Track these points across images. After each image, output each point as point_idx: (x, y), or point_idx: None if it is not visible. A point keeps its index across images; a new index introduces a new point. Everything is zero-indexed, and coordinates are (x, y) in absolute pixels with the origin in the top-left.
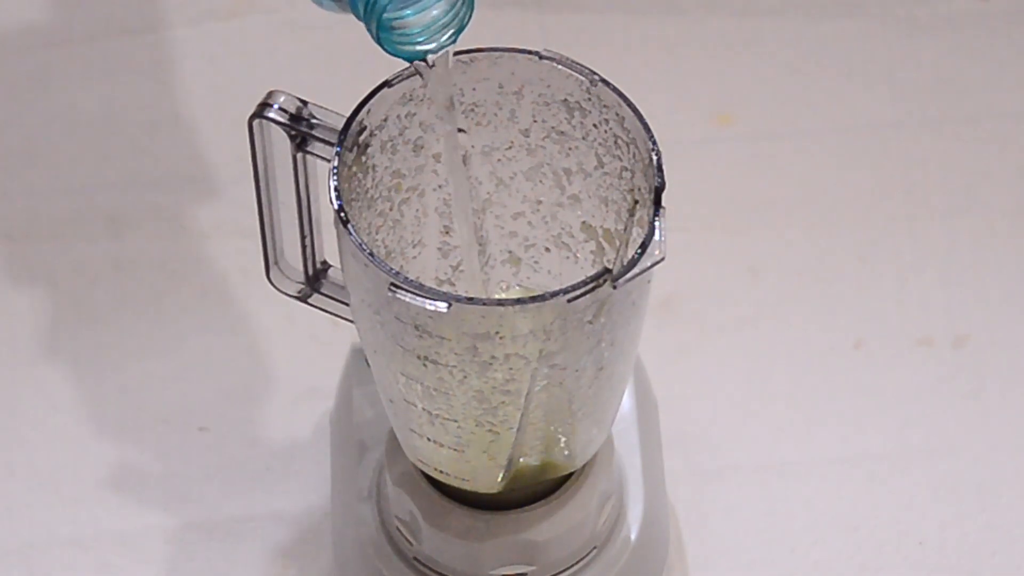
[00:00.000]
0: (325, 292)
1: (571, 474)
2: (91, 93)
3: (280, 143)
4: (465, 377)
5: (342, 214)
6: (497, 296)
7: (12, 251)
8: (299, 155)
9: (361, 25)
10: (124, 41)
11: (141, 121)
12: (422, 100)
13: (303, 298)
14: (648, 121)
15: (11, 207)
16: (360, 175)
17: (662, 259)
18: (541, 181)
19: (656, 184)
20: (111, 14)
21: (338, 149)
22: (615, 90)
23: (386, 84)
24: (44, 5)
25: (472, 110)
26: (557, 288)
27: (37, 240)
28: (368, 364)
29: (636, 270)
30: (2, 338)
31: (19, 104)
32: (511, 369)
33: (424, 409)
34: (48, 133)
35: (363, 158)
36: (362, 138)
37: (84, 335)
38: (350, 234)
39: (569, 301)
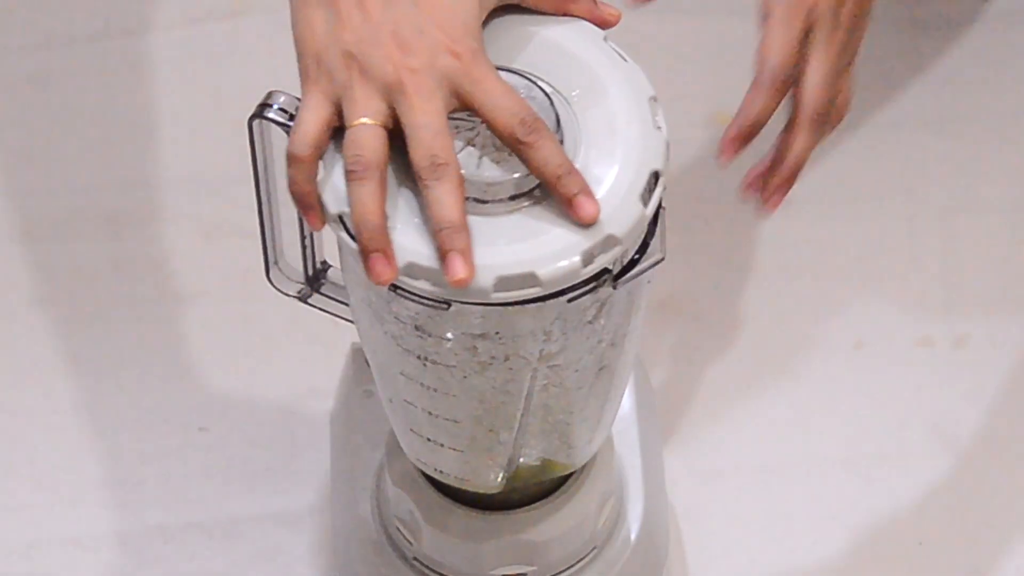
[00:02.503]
0: (325, 292)
1: (571, 474)
2: (91, 93)
3: (280, 143)
4: (465, 377)
5: (341, 214)
6: None
7: (12, 251)
8: None
9: None
10: (124, 41)
11: (141, 121)
12: None
13: (303, 298)
14: None
15: (11, 207)
16: None
17: (662, 259)
18: None
19: None
20: (111, 14)
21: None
22: None
23: None
24: (44, 5)
25: None
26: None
27: (37, 240)
28: (368, 364)
29: (636, 270)
30: (2, 338)
31: (19, 104)
32: (511, 369)
33: (424, 409)
34: (48, 133)
35: None
36: None
37: (84, 335)
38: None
39: (569, 301)
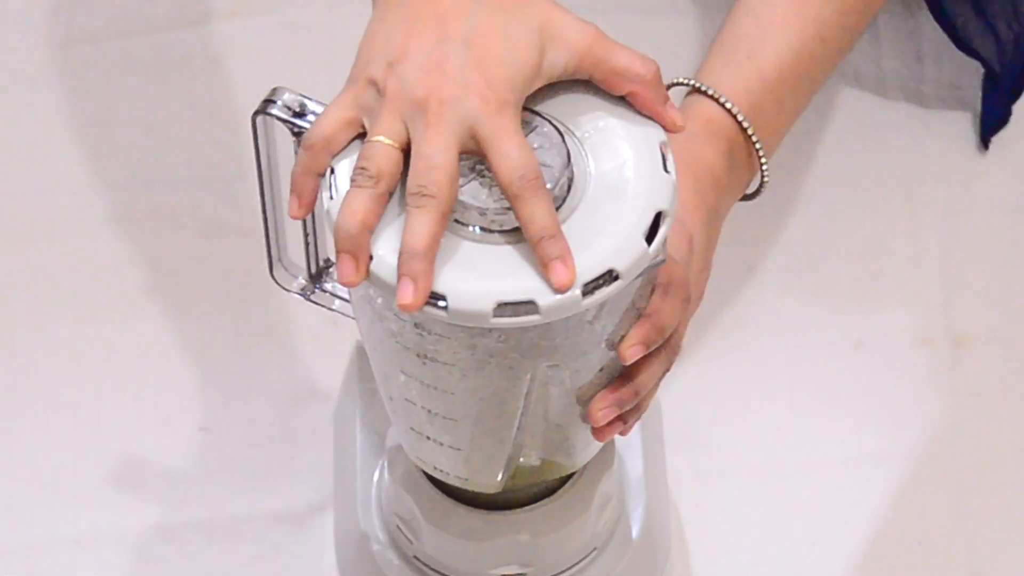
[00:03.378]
0: (328, 289)
1: (572, 474)
2: (91, 93)
3: (283, 140)
4: (464, 375)
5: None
6: None
7: (12, 251)
8: None
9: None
10: (124, 41)
11: (141, 121)
12: None
13: (306, 295)
14: None
15: (11, 207)
16: None
17: (663, 261)
18: None
19: None
20: (111, 14)
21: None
22: None
23: None
24: (44, 5)
25: None
26: None
27: (37, 240)
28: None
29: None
30: (2, 338)
31: (19, 104)
32: (510, 368)
33: (424, 407)
34: (48, 133)
35: None
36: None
37: (83, 335)
38: None
39: None
